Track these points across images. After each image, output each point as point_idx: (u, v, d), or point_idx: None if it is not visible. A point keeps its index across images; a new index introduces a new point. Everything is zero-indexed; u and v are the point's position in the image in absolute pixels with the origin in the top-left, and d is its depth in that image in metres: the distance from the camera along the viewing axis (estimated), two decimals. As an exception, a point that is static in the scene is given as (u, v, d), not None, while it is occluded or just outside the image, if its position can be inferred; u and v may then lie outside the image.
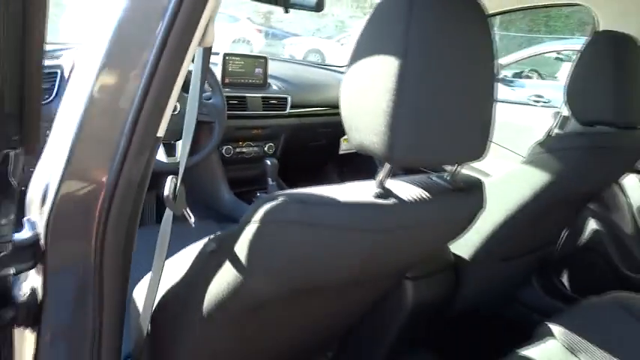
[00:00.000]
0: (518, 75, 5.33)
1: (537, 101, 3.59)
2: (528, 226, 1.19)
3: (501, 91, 4.30)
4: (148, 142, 0.54)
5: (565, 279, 1.66)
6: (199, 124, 0.72)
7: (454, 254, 1.22)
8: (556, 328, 1.09)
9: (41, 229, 0.59)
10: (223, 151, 1.69)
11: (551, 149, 1.08)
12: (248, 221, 0.62)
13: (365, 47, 0.61)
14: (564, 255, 1.62)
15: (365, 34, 0.62)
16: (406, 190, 0.66)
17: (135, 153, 0.54)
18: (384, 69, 0.57)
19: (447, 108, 0.60)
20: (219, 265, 0.67)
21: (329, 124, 1.91)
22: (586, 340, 1.06)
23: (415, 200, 0.64)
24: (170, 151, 1.38)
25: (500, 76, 4.58)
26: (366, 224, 0.60)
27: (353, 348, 1.21)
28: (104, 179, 0.55)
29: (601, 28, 1.43)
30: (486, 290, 1.36)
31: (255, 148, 1.77)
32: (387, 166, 0.61)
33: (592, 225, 1.56)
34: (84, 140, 0.54)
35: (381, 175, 0.63)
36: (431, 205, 0.67)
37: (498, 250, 1.21)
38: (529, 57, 5.10)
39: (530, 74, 5.68)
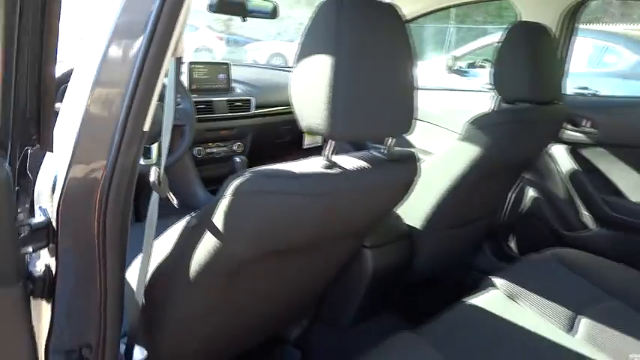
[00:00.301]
0: (472, 65, 5.60)
1: (491, 89, 3.83)
2: (469, 196, 1.36)
3: (457, 81, 4.55)
4: (136, 134, 0.67)
5: (512, 244, 1.85)
6: (172, 128, 0.84)
7: (408, 225, 1.38)
8: (498, 280, 1.27)
9: (52, 214, 0.72)
10: (195, 152, 1.82)
11: (481, 125, 1.25)
12: (222, 196, 0.76)
13: (306, 48, 0.76)
14: (510, 222, 1.81)
15: (306, 37, 0.77)
16: (349, 162, 0.81)
17: (127, 144, 0.67)
18: (321, 65, 0.72)
19: (374, 93, 0.76)
20: (201, 236, 0.80)
21: (292, 122, 2.05)
22: (525, 288, 1.24)
23: (357, 169, 0.80)
24: (145, 153, 1.51)
25: (456, 67, 4.84)
26: (317, 190, 0.75)
27: (325, 314, 1.36)
28: (103, 168, 0.68)
29: (523, 19, 1.62)
30: (440, 257, 1.53)
31: (225, 148, 1.91)
32: (331, 142, 0.77)
33: (531, 193, 1.76)
34: (85, 138, 0.68)
35: (327, 150, 0.78)
36: (370, 173, 0.82)
37: (446, 218, 1.37)
38: (481, 47, 5.37)
39: (483, 64, 5.96)
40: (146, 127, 0.70)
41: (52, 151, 0.62)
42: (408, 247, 1.37)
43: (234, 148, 1.94)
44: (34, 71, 0.54)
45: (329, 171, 0.77)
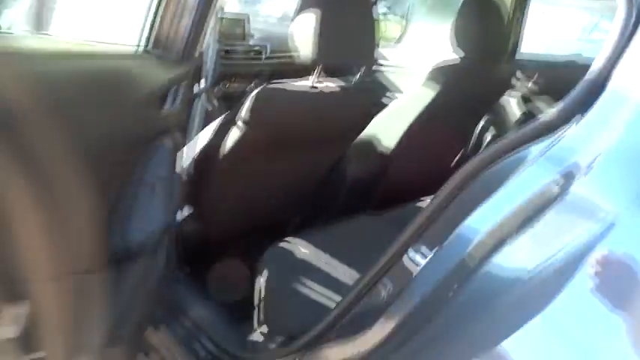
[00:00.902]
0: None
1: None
2: (432, 128, 1.72)
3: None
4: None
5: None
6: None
7: (382, 147, 1.76)
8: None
9: None
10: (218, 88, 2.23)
11: (439, 73, 1.61)
12: (245, 100, 1.17)
13: (303, 5, 1.15)
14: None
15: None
16: (327, 84, 1.22)
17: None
18: (311, 16, 1.11)
19: (346, 35, 1.15)
20: (232, 126, 1.22)
21: (302, 66, 2.44)
22: None
23: (332, 87, 1.21)
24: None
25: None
26: (305, 98, 1.17)
27: (313, 212, 1.78)
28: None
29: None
30: (409, 178, 1.91)
31: (242, 85, 2.32)
32: (318, 67, 1.17)
33: (489, 138, 2.13)
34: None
35: (314, 74, 1.19)
36: (341, 91, 1.24)
37: (414, 144, 1.75)
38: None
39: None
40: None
41: None
42: (380, 164, 1.76)
43: (252, 86, 2.35)
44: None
45: (313, 90, 1.18)
